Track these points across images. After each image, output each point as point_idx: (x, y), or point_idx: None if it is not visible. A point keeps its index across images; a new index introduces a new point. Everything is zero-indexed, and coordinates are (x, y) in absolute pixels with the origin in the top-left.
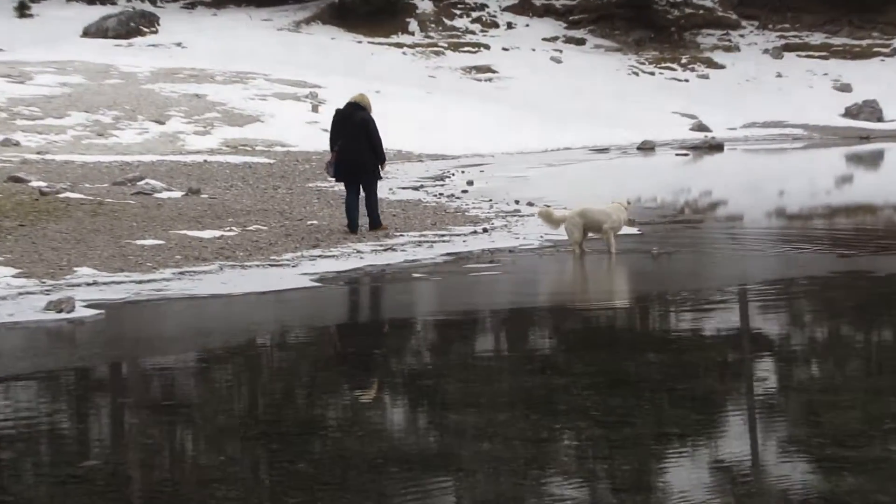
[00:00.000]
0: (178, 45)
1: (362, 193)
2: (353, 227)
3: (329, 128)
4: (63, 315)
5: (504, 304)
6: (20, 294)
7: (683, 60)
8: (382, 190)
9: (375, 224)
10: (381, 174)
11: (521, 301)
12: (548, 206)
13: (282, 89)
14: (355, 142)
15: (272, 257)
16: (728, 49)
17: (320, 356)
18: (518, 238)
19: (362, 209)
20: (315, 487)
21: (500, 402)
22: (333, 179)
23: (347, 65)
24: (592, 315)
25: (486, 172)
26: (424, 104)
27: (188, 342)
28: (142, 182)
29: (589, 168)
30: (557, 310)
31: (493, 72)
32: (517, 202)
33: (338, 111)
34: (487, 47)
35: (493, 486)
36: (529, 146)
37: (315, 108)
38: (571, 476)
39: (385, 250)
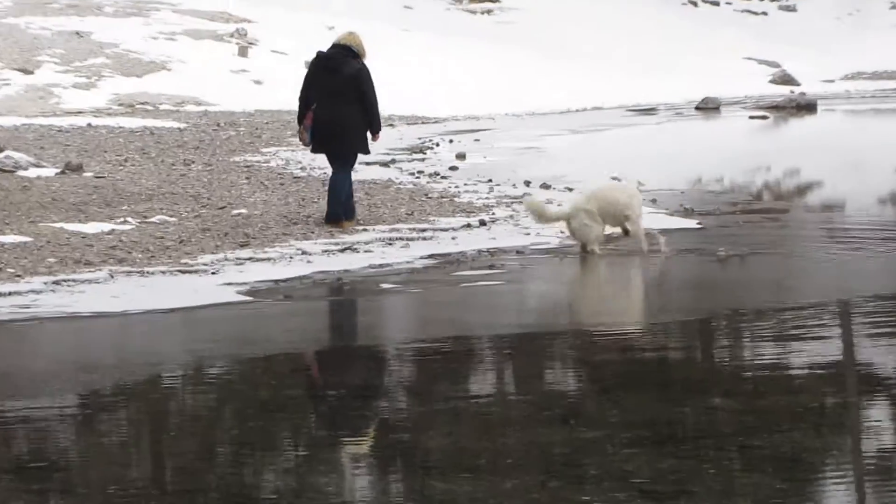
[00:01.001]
0: None
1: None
2: (330, 217)
3: (303, 79)
4: None
5: (509, 328)
6: None
7: None
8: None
9: (333, 217)
10: (370, 148)
11: (532, 323)
12: (543, 200)
13: (196, 24)
14: (342, 101)
15: (183, 261)
16: None
17: (250, 400)
18: (528, 234)
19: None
20: None
21: (505, 464)
22: (310, 150)
23: None
24: (634, 343)
25: (484, 142)
26: (396, 46)
27: (65, 380)
28: (0, 155)
29: (628, 136)
30: (584, 335)
31: (494, 0)
32: (528, 184)
33: (319, 57)
34: None
35: None
36: (545, 105)
37: (243, 52)
38: None
39: (342, 250)
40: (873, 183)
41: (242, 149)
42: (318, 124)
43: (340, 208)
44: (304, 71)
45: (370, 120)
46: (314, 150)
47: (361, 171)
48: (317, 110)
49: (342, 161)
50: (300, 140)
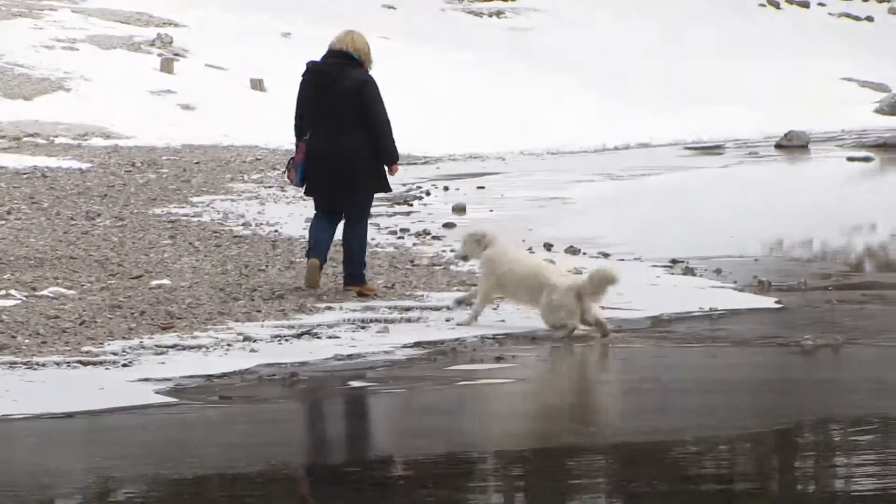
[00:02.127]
0: None
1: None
2: (357, 277)
3: (296, 101)
4: None
5: (521, 442)
6: None
7: None
8: (295, 222)
9: (358, 278)
10: (390, 184)
11: (552, 435)
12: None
13: (105, 29)
14: (343, 125)
15: (85, 348)
16: None
17: None
18: None
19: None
20: None
21: None
22: (300, 189)
23: None
24: (690, 464)
25: (491, 189)
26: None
27: None
28: None
29: (684, 183)
30: (622, 453)
31: None
32: (548, 247)
33: (312, 68)
34: None
35: None
36: (572, 142)
37: (168, 67)
38: None
39: (298, 336)
40: None
41: (166, 198)
42: (312, 159)
43: (361, 266)
44: (249, 92)
45: (381, 147)
46: (308, 194)
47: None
48: (309, 141)
49: (350, 206)
50: (286, 177)
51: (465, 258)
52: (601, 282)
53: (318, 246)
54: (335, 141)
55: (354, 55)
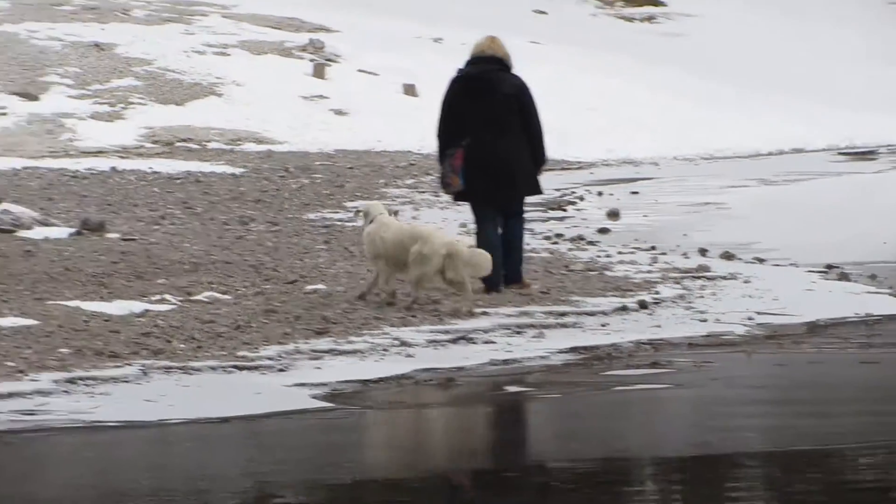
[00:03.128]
0: None
1: None
2: (495, 282)
3: (442, 107)
4: None
5: (680, 448)
6: None
7: None
8: (450, 227)
9: (518, 277)
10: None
11: (711, 442)
12: None
13: (257, 34)
14: (503, 130)
15: (241, 353)
16: None
17: None
18: (705, 321)
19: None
20: None
21: None
22: (452, 197)
23: None
24: (852, 472)
25: (645, 195)
26: (524, 64)
27: None
28: None
29: (838, 187)
30: (783, 461)
31: (657, 4)
32: (704, 252)
33: (463, 76)
34: None
35: None
36: (726, 147)
37: (320, 72)
38: None
39: (454, 341)
40: None
41: (319, 203)
42: (474, 164)
43: (520, 264)
44: (401, 97)
45: (537, 150)
46: (470, 199)
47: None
48: (471, 147)
49: (514, 209)
50: (444, 187)
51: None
52: (477, 260)
53: (495, 277)
54: (497, 146)
55: (502, 59)
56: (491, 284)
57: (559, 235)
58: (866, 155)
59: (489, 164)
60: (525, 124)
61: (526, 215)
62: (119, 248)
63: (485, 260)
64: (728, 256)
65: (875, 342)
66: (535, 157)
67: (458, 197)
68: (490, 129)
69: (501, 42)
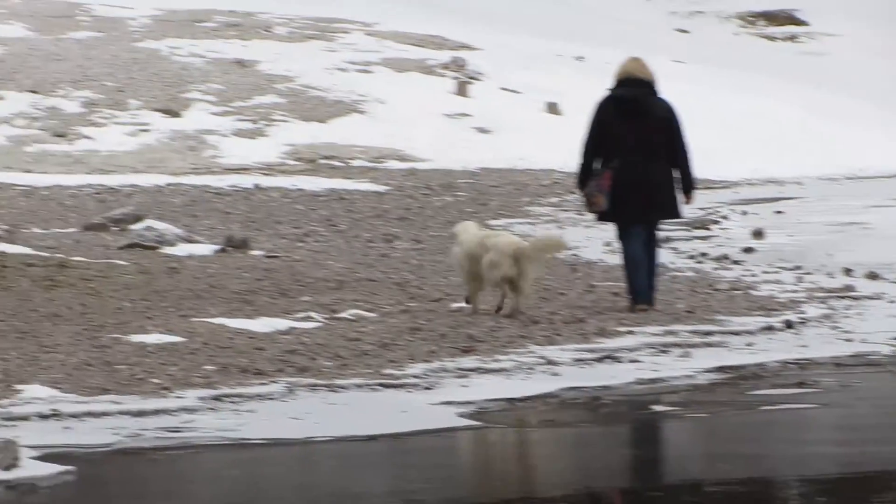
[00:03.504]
0: None
1: None
2: (643, 296)
3: (590, 127)
4: None
5: (829, 467)
6: None
7: None
8: (594, 246)
9: (649, 300)
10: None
11: (862, 461)
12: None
13: (400, 53)
14: (653, 153)
15: (387, 371)
16: None
17: None
18: (850, 340)
19: None
20: None
21: None
22: (596, 216)
23: (516, 9)
24: None
25: (789, 214)
26: (665, 83)
27: None
28: (139, 225)
29: None
30: None
31: (799, 23)
32: (848, 272)
33: (615, 98)
34: None
35: None
36: (870, 166)
37: (463, 90)
38: None
39: (600, 360)
40: None
41: (463, 220)
42: (623, 186)
43: (647, 283)
44: (544, 116)
45: (683, 175)
46: (605, 219)
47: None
48: (620, 168)
49: (656, 231)
50: (589, 206)
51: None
52: (545, 246)
53: (642, 291)
54: (648, 168)
55: (648, 81)
56: (638, 300)
57: (704, 254)
58: None
59: (639, 186)
60: (673, 148)
61: (671, 234)
62: (263, 265)
63: (554, 237)
64: (873, 276)
65: None
66: (684, 181)
67: (603, 217)
68: (641, 152)
69: (646, 63)
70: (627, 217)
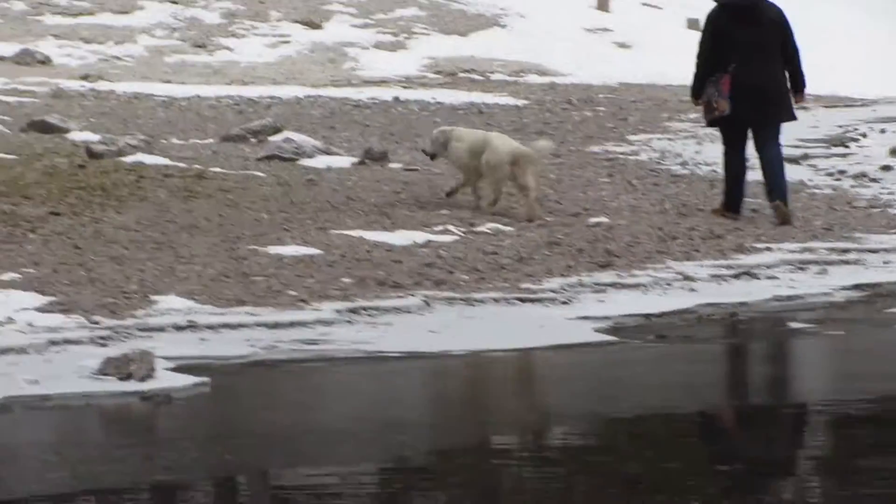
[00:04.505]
0: None
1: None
2: (736, 204)
3: (703, 35)
4: (132, 385)
5: None
6: (53, 343)
7: None
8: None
9: (783, 196)
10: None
11: None
12: None
13: None
14: (769, 57)
15: (524, 285)
16: None
17: (613, 476)
18: None
19: None
20: None
21: None
22: (706, 122)
23: None
24: None
25: None
26: (807, 6)
27: (364, 442)
28: (278, 137)
29: None
30: None
31: None
32: None
33: (728, 5)
34: None
35: None
36: None
37: (603, 4)
38: None
39: (737, 276)
40: None
41: (602, 135)
42: (743, 89)
43: (785, 185)
44: (685, 31)
45: (795, 76)
46: (714, 124)
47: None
48: (739, 72)
49: (774, 131)
50: (710, 111)
51: (432, 157)
52: (539, 151)
53: (737, 199)
54: (764, 71)
55: None
56: (729, 207)
57: (842, 172)
58: None
59: (757, 88)
60: (787, 51)
61: (809, 151)
62: (401, 178)
63: (545, 144)
64: None
65: None
66: (795, 82)
67: (715, 122)
68: (757, 56)
69: None
70: (741, 120)
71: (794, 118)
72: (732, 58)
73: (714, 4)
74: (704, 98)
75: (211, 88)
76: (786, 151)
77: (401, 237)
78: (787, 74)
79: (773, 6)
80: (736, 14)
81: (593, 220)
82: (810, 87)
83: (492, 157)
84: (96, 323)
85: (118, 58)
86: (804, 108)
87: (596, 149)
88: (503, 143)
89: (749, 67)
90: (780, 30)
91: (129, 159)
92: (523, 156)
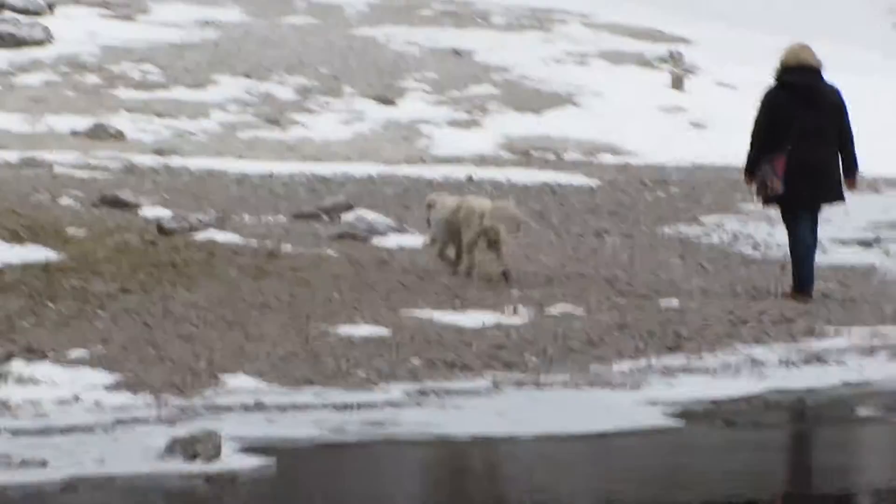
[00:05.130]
0: None
1: None
2: (804, 286)
3: (759, 114)
4: (198, 466)
5: None
6: (120, 421)
7: None
8: None
9: (801, 281)
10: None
11: None
12: None
13: (615, 44)
14: (826, 137)
15: (593, 368)
16: None
17: None
18: None
19: None
20: None
21: None
22: (761, 202)
23: (736, 2)
24: None
25: None
26: (882, 80)
27: None
28: (350, 215)
29: None
30: None
31: None
32: None
33: (789, 85)
34: None
35: None
36: None
37: (678, 83)
38: None
39: (806, 361)
40: None
41: (675, 216)
42: (797, 170)
43: (813, 270)
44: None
45: (848, 159)
46: (771, 202)
47: (832, 252)
48: (796, 153)
49: (816, 214)
50: (762, 191)
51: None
52: (501, 213)
53: (809, 279)
54: (819, 153)
55: (817, 68)
56: (803, 289)
57: None
58: None
59: (813, 169)
60: (842, 134)
61: (881, 234)
62: None
63: (507, 205)
64: None
65: None
66: (847, 165)
67: (770, 201)
68: (814, 138)
69: (813, 50)
70: (799, 201)
71: (843, 200)
72: (789, 139)
73: (773, 83)
74: (759, 177)
75: (284, 165)
76: (855, 234)
77: (471, 318)
78: (839, 157)
79: (832, 88)
80: (795, 95)
81: (665, 302)
82: (878, 168)
83: (464, 211)
84: (164, 402)
85: (191, 133)
86: (874, 190)
87: (668, 230)
88: (476, 200)
89: (805, 149)
90: (837, 113)
91: (200, 236)
92: (495, 209)
